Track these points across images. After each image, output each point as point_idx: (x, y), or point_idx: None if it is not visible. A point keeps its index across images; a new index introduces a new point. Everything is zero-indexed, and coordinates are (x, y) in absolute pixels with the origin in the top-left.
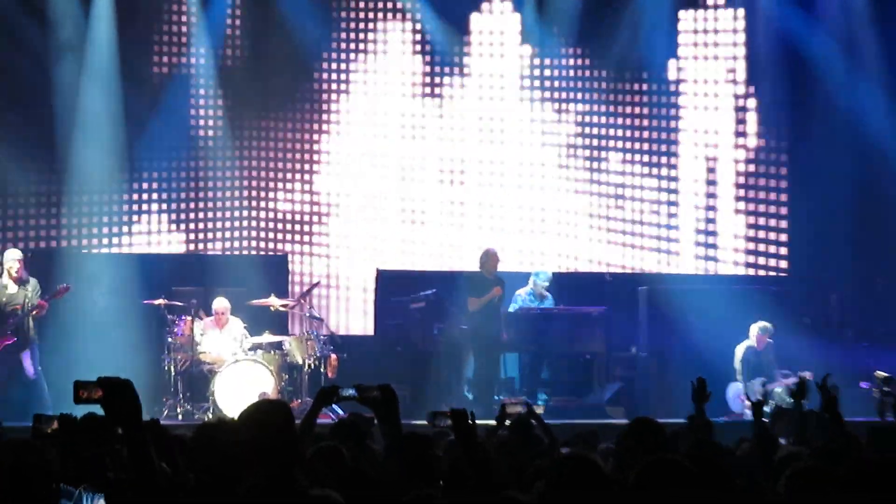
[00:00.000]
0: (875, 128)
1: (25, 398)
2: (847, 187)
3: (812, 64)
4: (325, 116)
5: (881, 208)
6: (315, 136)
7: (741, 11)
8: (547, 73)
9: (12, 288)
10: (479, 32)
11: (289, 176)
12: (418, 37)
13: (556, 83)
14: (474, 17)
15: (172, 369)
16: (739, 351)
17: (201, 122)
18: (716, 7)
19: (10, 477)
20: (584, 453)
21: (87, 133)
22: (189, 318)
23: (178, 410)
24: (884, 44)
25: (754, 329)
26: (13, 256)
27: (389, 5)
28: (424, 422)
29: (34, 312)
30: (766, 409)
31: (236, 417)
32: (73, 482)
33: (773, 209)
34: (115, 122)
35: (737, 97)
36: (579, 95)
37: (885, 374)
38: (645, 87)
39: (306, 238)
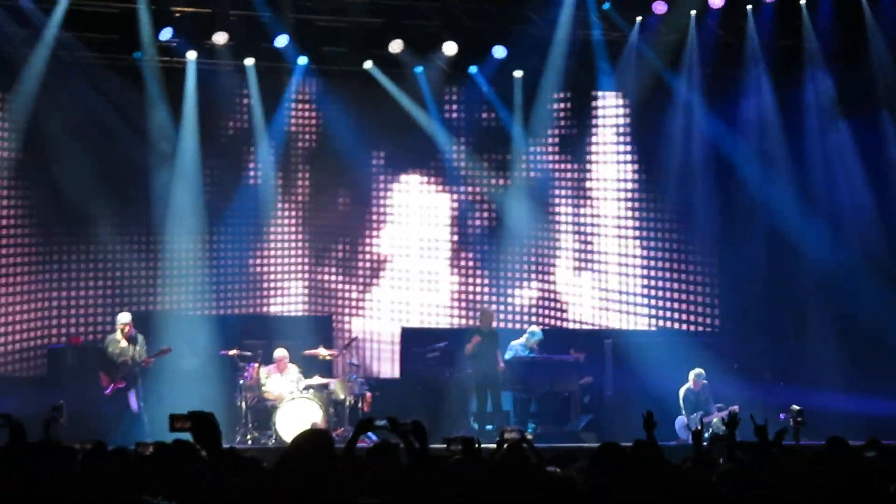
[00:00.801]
0: (784, 216)
1: (131, 428)
2: (764, 262)
3: (735, 165)
4: (370, 211)
5: (790, 278)
6: (360, 229)
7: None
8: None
9: (124, 343)
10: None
11: (333, 254)
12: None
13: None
14: None
15: (243, 405)
16: (681, 392)
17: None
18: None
19: (116, 489)
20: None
21: (177, 220)
22: (256, 364)
23: (248, 437)
24: (791, 151)
25: (691, 375)
26: (124, 319)
27: None
28: (440, 445)
29: (142, 364)
30: (706, 435)
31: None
32: (166, 494)
33: (707, 279)
34: (197, 212)
35: (676, 192)
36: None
37: (798, 407)
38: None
39: (346, 302)
